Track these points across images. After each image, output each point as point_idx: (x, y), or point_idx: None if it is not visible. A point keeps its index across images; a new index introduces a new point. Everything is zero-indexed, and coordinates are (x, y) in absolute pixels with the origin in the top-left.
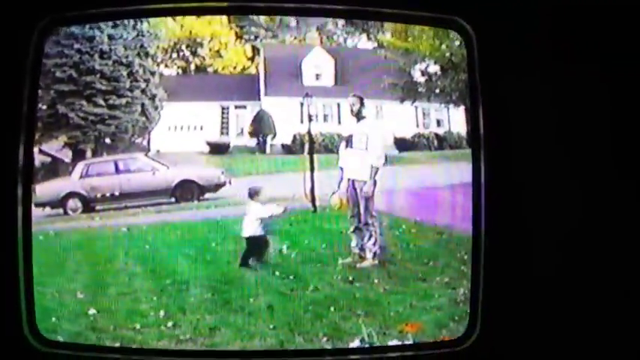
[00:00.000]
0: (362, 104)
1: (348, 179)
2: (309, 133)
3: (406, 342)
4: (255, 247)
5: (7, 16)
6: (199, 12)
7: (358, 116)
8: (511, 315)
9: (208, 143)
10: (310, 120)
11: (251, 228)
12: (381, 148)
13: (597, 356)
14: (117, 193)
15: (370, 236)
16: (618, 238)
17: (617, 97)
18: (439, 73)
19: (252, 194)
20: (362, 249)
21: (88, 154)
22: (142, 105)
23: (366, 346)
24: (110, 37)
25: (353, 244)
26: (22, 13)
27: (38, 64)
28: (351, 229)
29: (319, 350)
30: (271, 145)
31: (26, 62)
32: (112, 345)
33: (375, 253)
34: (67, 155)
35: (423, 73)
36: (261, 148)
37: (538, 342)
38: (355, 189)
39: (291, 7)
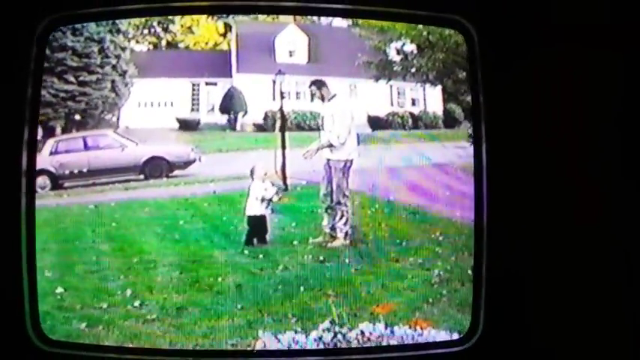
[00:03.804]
0: (322, 87)
1: (327, 159)
2: (281, 110)
3: (407, 342)
4: (257, 226)
5: (7, 17)
6: (199, 11)
7: (323, 99)
8: (514, 313)
9: (178, 120)
10: (282, 97)
11: (252, 207)
12: (343, 127)
13: (600, 355)
14: (85, 170)
15: (342, 216)
16: (624, 232)
17: (620, 91)
18: (415, 51)
19: (251, 174)
20: (333, 228)
21: (58, 130)
22: (113, 81)
23: (336, 328)
24: None
25: (324, 223)
26: (22, 13)
27: (40, 66)
28: (323, 207)
29: (323, 350)
30: (242, 123)
31: (28, 64)
32: (114, 345)
33: (346, 233)
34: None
35: (398, 52)
36: (231, 125)
37: (541, 341)
38: (330, 167)
39: (289, 6)
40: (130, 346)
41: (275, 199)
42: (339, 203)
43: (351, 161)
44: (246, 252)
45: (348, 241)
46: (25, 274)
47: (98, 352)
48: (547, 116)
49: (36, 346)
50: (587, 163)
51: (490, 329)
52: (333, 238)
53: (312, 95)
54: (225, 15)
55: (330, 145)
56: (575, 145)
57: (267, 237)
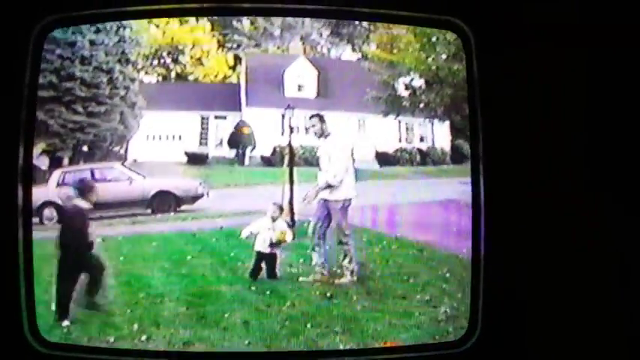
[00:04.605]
0: (322, 122)
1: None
2: (289, 145)
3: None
4: (266, 262)
5: (5, 18)
6: (195, 13)
7: (322, 135)
8: (512, 316)
9: (187, 153)
10: (291, 132)
11: (262, 244)
12: (340, 166)
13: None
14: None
15: (345, 255)
16: (619, 244)
17: (619, 98)
18: (424, 87)
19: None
20: (340, 267)
21: (65, 161)
22: (121, 113)
23: None
24: (92, 43)
25: (314, 261)
26: (20, 14)
27: (37, 66)
28: (311, 246)
29: (319, 352)
30: (250, 157)
31: (25, 64)
32: (109, 347)
33: (352, 271)
34: (44, 162)
35: (407, 87)
36: (239, 159)
37: (538, 343)
38: (328, 207)
39: (291, 8)
40: (124, 347)
41: (274, 239)
42: (340, 243)
43: (350, 200)
44: (253, 288)
45: (355, 278)
46: (22, 279)
47: (94, 355)
48: (545, 118)
49: (34, 349)
50: (583, 170)
51: (488, 331)
52: (338, 276)
53: (311, 128)
54: (235, 46)
55: (329, 186)
56: (570, 150)
57: (278, 272)
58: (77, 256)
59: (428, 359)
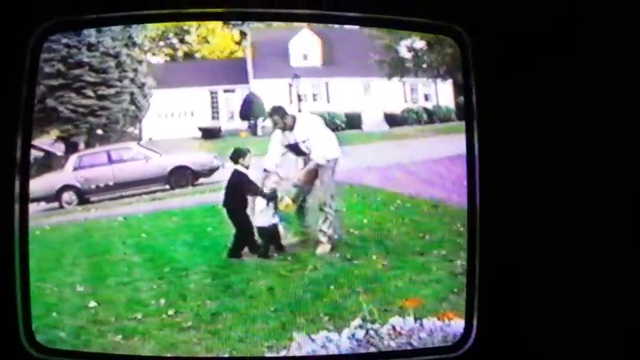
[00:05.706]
0: (284, 115)
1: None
2: (299, 112)
3: (402, 348)
4: (270, 236)
5: (3, 23)
6: (199, 18)
7: (287, 127)
8: (508, 319)
9: (200, 128)
10: (300, 100)
11: (261, 216)
12: (321, 143)
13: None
14: (111, 184)
15: (325, 219)
16: (618, 226)
17: (616, 97)
18: (425, 48)
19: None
20: (320, 231)
21: (81, 146)
22: (132, 94)
23: (368, 325)
24: (98, 30)
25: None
26: (18, 19)
27: (35, 72)
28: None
29: (317, 357)
30: (262, 127)
31: (23, 70)
32: (107, 352)
33: (329, 237)
34: (59, 149)
35: (409, 49)
36: (252, 130)
37: (535, 347)
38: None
39: (286, 12)
40: (117, 353)
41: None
42: (324, 204)
43: (335, 160)
44: (275, 255)
45: (330, 246)
46: (17, 282)
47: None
48: (541, 121)
49: (29, 354)
50: (580, 163)
51: (483, 335)
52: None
53: (277, 125)
54: (240, 22)
55: (319, 166)
56: (570, 151)
57: (285, 244)
58: (240, 213)
59: None
